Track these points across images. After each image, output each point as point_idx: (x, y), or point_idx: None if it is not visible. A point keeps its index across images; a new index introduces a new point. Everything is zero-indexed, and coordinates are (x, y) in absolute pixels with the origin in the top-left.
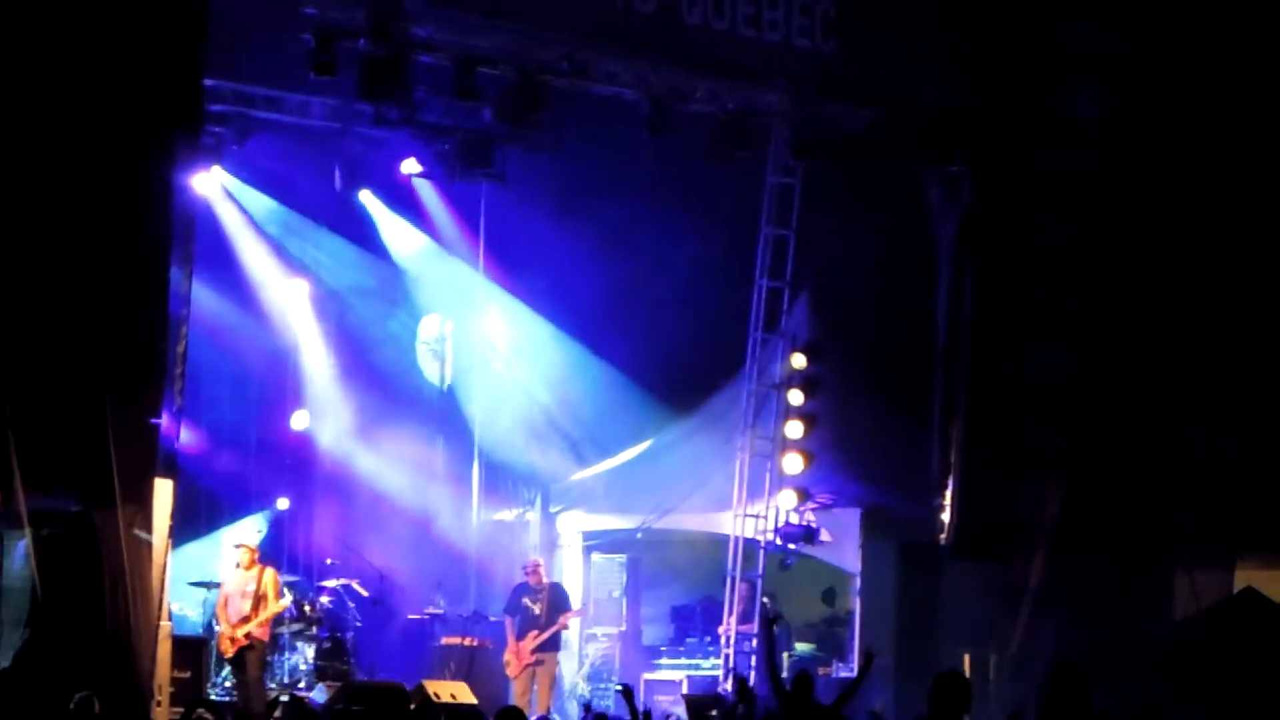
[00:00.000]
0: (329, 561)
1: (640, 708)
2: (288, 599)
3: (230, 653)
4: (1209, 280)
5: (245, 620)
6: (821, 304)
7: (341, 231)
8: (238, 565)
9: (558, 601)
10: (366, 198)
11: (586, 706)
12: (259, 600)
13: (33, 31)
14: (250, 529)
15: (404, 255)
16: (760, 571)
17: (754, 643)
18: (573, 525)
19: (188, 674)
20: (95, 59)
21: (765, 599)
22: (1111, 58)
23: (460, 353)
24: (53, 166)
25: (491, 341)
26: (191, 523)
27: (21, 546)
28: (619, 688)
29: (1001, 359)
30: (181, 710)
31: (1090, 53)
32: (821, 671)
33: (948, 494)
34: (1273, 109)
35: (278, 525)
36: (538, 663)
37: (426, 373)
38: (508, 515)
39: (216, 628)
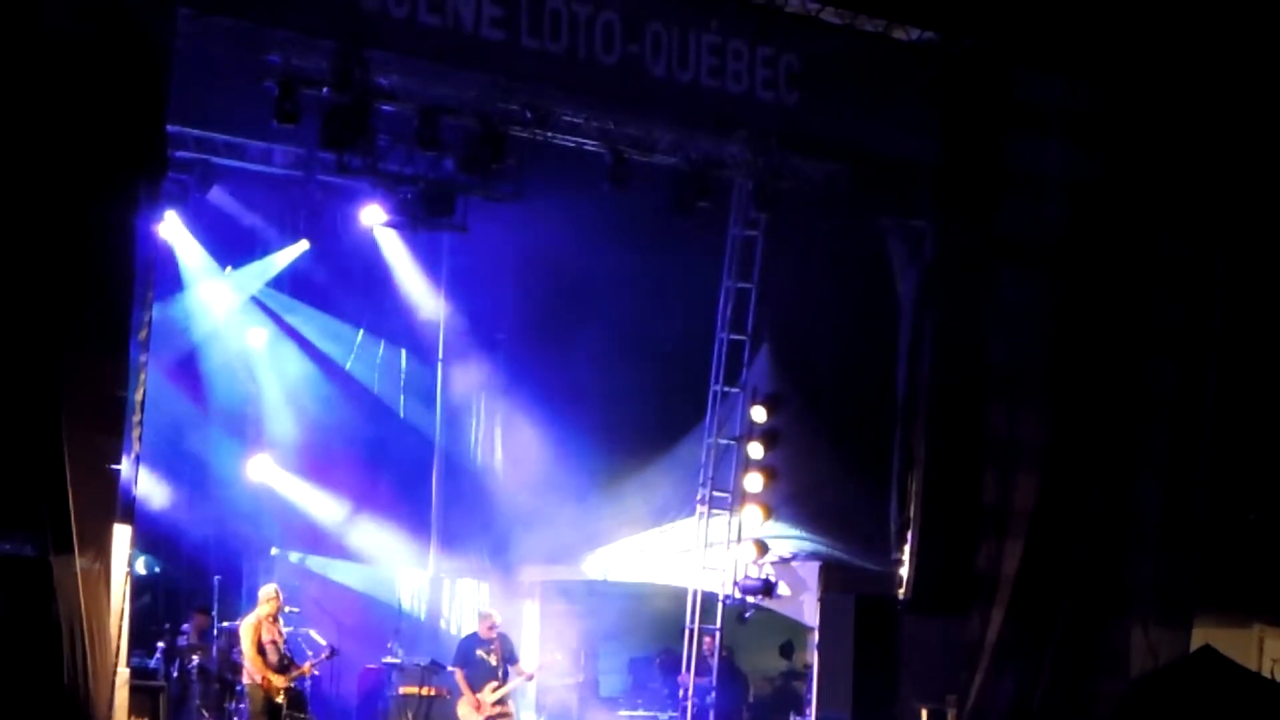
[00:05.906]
0: (289, 609)
1: None
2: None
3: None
4: (1166, 337)
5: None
6: (782, 356)
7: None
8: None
9: (508, 652)
10: None
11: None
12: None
13: None
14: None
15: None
16: (719, 624)
17: (712, 696)
18: (531, 576)
19: None
20: (59, 105)
21: (725, 651)
22: (1074, 113)
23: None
24: (14, 211)
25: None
26: None
27: None
28: None
29: (961, 414)
30: None
31: (1053, 108)
32: None
33: (906, 548)
34: (1234, 165)
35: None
36: (502, 715)
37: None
38: (465, 564)
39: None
